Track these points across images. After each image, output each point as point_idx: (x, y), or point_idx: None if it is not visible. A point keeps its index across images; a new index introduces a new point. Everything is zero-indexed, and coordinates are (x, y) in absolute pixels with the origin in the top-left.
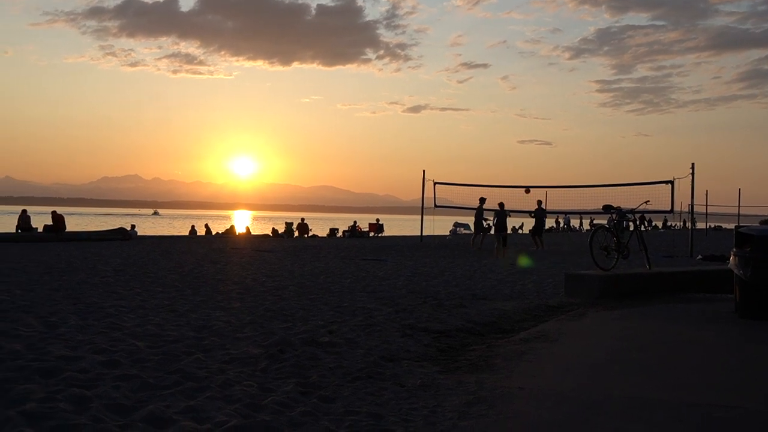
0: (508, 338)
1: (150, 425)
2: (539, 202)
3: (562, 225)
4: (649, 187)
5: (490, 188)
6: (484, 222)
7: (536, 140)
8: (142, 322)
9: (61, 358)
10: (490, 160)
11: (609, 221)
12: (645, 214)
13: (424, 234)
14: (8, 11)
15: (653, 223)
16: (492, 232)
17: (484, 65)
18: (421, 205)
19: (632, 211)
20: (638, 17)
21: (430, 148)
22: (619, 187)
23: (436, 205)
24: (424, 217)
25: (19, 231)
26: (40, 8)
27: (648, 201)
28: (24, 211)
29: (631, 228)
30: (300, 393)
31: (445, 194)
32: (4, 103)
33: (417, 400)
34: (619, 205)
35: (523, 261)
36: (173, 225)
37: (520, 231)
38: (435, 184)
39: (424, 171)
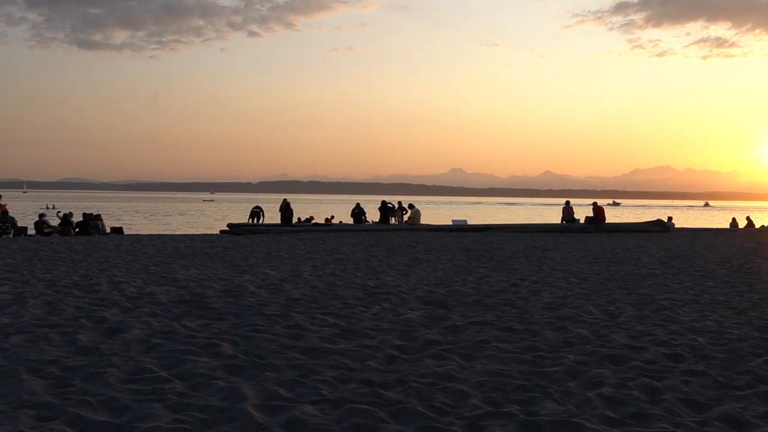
0: None
1: (727, 426)
2: None
3: None
4: None
5: None
6: None
7: None
8: (699, 317)
9: (626, 346)
10: None
11: None
12: None
13: None
14: (542, 17)
15: None
16: None
17: None
18: None
19: None
20: None
21: None
22: None
23: None
24: None
25: (564, 222)
26: (570, 11)
27: None
28: (567, 202)
29: None
30: None
31: None
32: (537, 106)
33: None
34: None
35: None
36: (714, 217)
37: None
38: None
39: None
